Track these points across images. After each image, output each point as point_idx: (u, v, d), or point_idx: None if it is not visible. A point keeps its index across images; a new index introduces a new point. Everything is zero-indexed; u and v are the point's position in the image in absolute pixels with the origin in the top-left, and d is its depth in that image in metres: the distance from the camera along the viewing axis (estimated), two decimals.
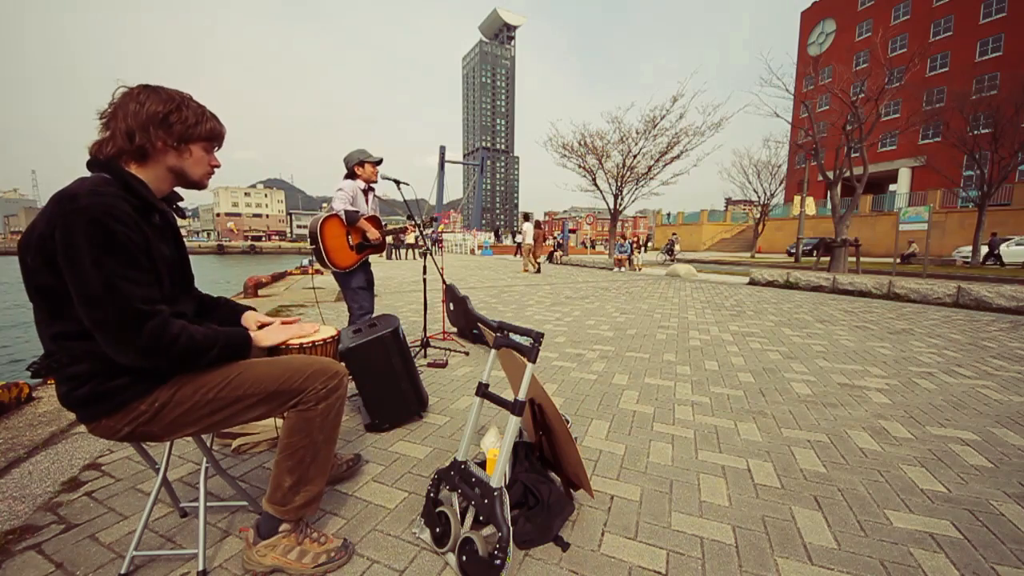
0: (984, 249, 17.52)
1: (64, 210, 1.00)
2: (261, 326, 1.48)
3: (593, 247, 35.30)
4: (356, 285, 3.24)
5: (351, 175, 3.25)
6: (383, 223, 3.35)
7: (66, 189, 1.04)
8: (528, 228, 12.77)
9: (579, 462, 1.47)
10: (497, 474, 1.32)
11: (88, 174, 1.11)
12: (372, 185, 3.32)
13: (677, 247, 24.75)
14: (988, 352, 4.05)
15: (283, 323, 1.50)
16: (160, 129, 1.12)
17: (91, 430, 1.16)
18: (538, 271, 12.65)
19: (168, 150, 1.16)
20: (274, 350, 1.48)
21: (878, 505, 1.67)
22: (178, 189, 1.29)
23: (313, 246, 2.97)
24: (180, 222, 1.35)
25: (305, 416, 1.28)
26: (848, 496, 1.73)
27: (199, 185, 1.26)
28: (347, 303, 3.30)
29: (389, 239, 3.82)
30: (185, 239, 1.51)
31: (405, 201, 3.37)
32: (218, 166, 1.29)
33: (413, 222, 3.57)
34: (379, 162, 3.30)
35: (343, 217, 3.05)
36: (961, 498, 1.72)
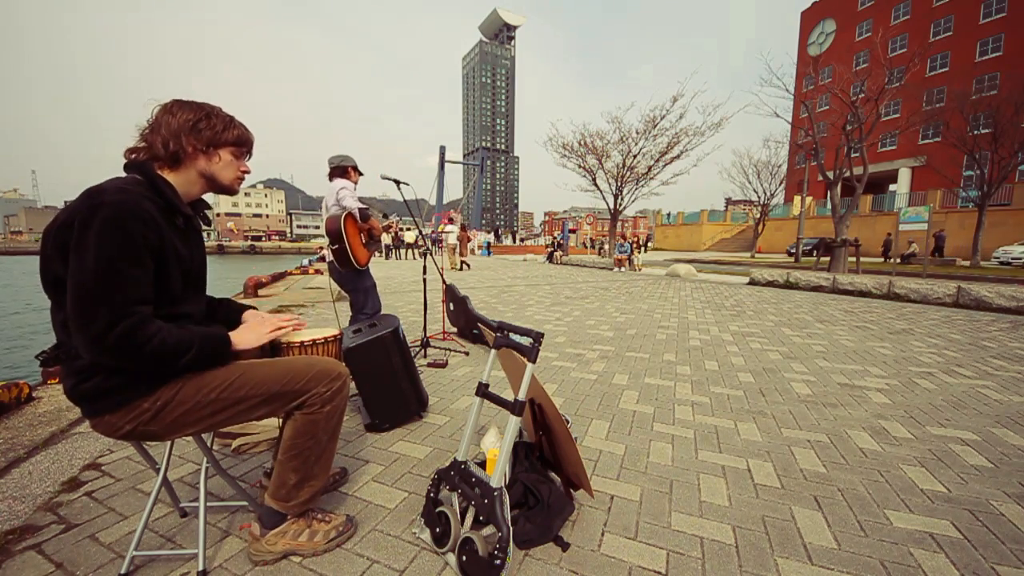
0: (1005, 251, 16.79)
1: (88, 203, 1.03)
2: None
3: (593, 247, 35.10)
4: (369, 284, 3.24)
5: (342, 175, 3.19)
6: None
7: (97, 185, 1.09)
8: (453, 229, 14.97)
9: (579, 462, 1.47)
10: (497, 474, 1.32)
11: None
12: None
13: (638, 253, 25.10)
14: (988, 352, 4.06)
15: (254, 323, 1.40)
16: (191, 135, 1.20)
17: (93, 426, 1.16)
18: (462, 268, 14.12)
19: (198, 154, 1.23)
20: (276, 351, 1.48)
21: (878, 505, 1.67)
22: (207, 197, 1.34)
23: (336, 246, 2.81)
24: None
25: (311, 419, 1.30)
26: (848, 496, 1.73)
27: (230, 190, 1.33)
28: (356, 303, 3.27)
29: (387, 239, 3.82)
30: None
31: (405, 201, 3.37)
32: (248, 172, 1.36)
33: (393, 219, 3.57)
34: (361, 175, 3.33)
35: (356, 215, 3.01)
36: (961, 498, 1.72)
